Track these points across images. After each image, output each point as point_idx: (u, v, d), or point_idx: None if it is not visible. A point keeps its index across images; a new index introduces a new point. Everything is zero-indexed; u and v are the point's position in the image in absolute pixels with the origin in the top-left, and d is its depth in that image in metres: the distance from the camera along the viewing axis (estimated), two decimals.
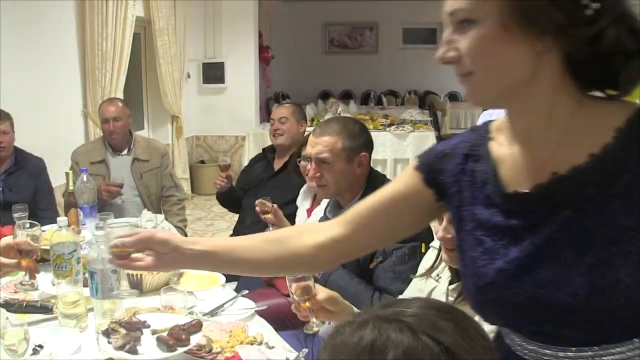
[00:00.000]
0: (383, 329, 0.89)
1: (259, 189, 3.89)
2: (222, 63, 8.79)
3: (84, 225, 3.31)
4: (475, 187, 1.22)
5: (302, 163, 3.20)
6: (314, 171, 2.61)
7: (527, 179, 1.14)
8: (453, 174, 1.26)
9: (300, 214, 3.39)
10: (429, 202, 1.31)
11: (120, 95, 6.24)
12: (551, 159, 1.12)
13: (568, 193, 1.09)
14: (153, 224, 3.30)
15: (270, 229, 3.40)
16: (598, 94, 1.15)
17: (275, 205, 3.32)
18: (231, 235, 4.15)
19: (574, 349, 1.11)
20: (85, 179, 3.34)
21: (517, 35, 1.05)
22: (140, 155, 4.39)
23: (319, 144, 2.59)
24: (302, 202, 3.44)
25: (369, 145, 2.66)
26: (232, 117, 8.85)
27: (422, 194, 1.31)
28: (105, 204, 4.05)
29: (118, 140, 4.32)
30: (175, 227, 4.19)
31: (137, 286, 2.57)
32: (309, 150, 2.65)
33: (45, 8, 5.27)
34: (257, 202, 3.31)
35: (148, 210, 4.01)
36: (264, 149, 4.36)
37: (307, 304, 1.84)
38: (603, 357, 1.10)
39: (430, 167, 1.31)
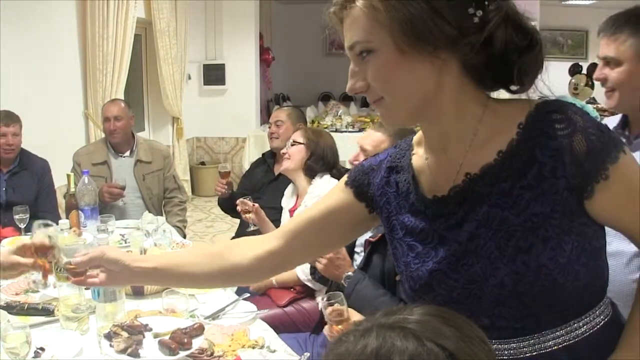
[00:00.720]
0: (387, 336, 0.89)
1: (259, 193, 3.90)
2: (223, 65, 8.81)
3: (85, 227, 3.31)
4: (400, 196, 1.31)
5: (283, 150, 3.39)
6: (355, 157, 2.68)
7: (446, 184, 1.22)
8: (380, 187, 1.35)
9: (285, 215, 3.41)
10: (362, 214, 1.39)
11: (121, 96, 6.25)
12: (465, 162, 1.19)
13: (482, 191, 1.17)
14: (154, 227, 3.29)
15: (252, 228, 3.43)
16: (504, 94, 1.21)
17: (256, 205, 3.35)
18: (232, 238, 4.17)
19: (515, 339, 1.17)
20: (86, 181, 3.34)
21: (414, 55, 1.10)
22: (142, 157, 4.39)
23: (370, 137, 2.64)
24: (287, 203, 3.47)
25: None
26: (232, 118, 8.85)
27: (355, 207, 1.39)
28: (107, 205, 4.05)
29: (119, 140, 4.33)
30: (175, 227, 4.19)
31: (139, 289, 2.57)
32: (360, 140, 2.68)
33: (45, 9, 5.27)
34: (238, 201, 3.36)
35: (149, 212, 4.01)
36: (263, 154, 4.38)
37: (340, 326, 1.97)
38: (544, 344, 1.16)
39: (359, 182, 1.39)
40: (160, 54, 7.34)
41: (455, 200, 1.20)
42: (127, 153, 4.40)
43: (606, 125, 1.14)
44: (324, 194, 2.96)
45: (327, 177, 3.24)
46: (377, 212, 1.37)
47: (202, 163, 8.97)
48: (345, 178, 1.43)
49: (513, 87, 1.18)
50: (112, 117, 4.28)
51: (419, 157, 1.31)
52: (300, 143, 3.30)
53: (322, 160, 3.26)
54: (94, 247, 1.57)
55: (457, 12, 1.08)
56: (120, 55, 6.16)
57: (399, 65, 1.11)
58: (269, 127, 4.20)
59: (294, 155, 3.29)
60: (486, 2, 1.09)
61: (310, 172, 3.24)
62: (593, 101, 9.59)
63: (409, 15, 1.07)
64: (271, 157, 4.21)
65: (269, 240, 1.47)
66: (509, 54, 1.12)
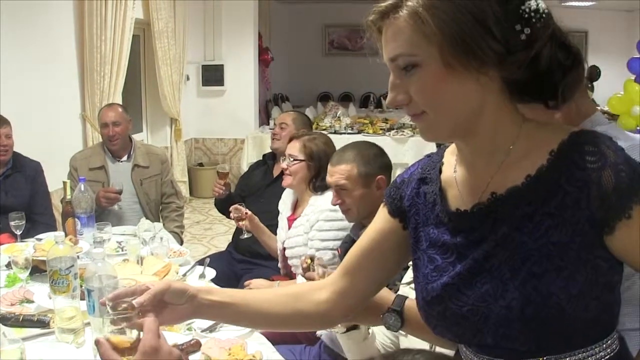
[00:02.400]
0: None
1: (258, 195, 3.87)
2: (222, 65, 8.78)
3: (81, 235, 3.28)
4: (427, 207, 1.31)
5: (283, 164, 3.27)
6: (336, 199, 2.69)
7: (471, 199, 1.22)
8: (410, 198, 1.35)
9: (282, 221, 3.38)
10: (400, 233, 1.37)
11: (119, 97, 6.23)
12: (493, 181, 1.19)
13: (505, 212, 1.16)
14: (151, 234, 3.27)
15: (245, 235, 3.39)
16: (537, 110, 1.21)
17: (249, 212, 3.31)
18: (230, 243, 4.15)
19: None
20: (82, 188, 3.31)
21: (461, 71, 1.09)
22: (140, 162, 4.36)
23: (336, 173, 2.67)
24: (283, 207, 3.43)
25: (385, 168, 2.72)
26: (231, 119, 8.82)
27: (392, 226, 1.38)
28: (104, 210, 4.03)
29: (118, 146, 4.29)
30: (172, 232, 4.17)
31: None
32: (329, 179, 2.72)
33: (43, 10, 5.24)
34: (231, 208, 3.32)
35: (147, 217, 3.99)
36: (264, 155, 4.36)
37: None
38: None
39: (392, 197, 1.39)
40: (158, 54, 7.31)
41: (477, 217, 1.19)
42: (125, 158, 4.37)
43: (638, 163, 1.12)
44: (327, 207, 2.94)
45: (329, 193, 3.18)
46: (407, 224, 1.36)
47: (200, 164, 8.94)
48: (382, 198, 1.43)
49: (551, 103, 1.18)
50: (111, 123, 4.23)
51: (448, 168, 1.31)
52: (300, 160, 3.23)
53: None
54: (149, 282, 1.35)
55: (504, 28, 1.08)
56: (118, 56, 6.12)
57: (446, 80, 1.10)
58: (273, 128, 4.18)
59: (295, 174, 3.23)
60: (533, 20, 1.09)
61: (317, 189, 3.19)
62: (593, 102, 9.58)
63: (459, 31, 1.06)
64: (272, 159, 4.19)
65: (335, 283, 1.44)
66: (554, 73, 1.12)
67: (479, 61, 1.08)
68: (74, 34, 5.80)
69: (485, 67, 1.09)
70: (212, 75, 8.78)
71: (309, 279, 2.66)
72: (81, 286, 2.38)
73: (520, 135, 1.17)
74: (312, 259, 2.64)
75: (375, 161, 2.68)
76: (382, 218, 1.41)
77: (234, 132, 8.86)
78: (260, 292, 1.58)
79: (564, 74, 1.13)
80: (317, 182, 3.17)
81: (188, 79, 8.46)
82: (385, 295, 1.57)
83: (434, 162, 1.35)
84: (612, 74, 9.57)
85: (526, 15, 1.09)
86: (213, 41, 8.81)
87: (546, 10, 1.11)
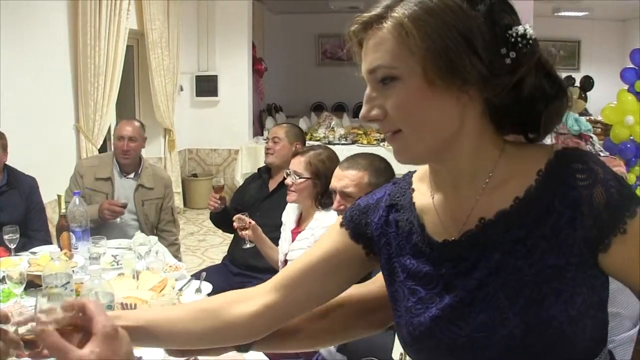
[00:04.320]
0: None
1: (254, 210, 3.83)
2: (215, 76, 8.78)
3: (76, 249, 3.26)
4: (401, 237, 1.24)
5: (287, 180, 3.20)
6: (339, 204, 2.63)
7: (455, 227, 1.16)
8: (379, 227, 1.28)
9: (285, 233, 3.34)
10: (359, 257, 1.31)
11: (113, 108, 6.22)
12: (477, 205, 1.14)
13: (496, 237, 1.11)
14: (147, 248, 3.24)
15: (248, 245, 3.37)
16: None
17: (253, 222, 3.29)
18: (226, 256, 4.13)
19: None
20: (77, 202, 3.29)
21: (442, 88, 1.05)
22: (145, 183, 4.33)
23: (345, 178, 2.62)
24: (287, 219, 3.38)
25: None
26: (225, 130, 8.81)
27: (352, 250, 1.31)
28: (105, 222, 4.00)
29: (129, 161, 4.27)
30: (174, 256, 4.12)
31: None
32: (335, 183, 2.66)
33: (36, 21, 5.23)
34: (234, 217, 3.29)
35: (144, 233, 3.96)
36: (259, 169, 4.34)
37: None
38: None
39: (355, 222, 1.31)
40: (152, 65, 7.31)
41: (467, 245, 1.14)
42: (132, 175, 4.34)
43: (623, 178, 1.11)
44: (333, 222, 2.90)
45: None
46: (375, 253, 1.29)
47: (194, 175, 8.92)
48: (340, 219, 1.35)
49: (532, 135, 1.15)
50: (127, 137, 4.22)
51: (422, 195, 1.24)
52: (307, 178, 3.17)
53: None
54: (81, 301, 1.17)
55: (490, 50, 1.05)
56: (112, 67, 6.11)
57: (425, 96, 1.06)
58: (266, 142, 4.16)
59: (302, 192, 3.18)
60: (520, 45, 1.06)
61: (324, 206, 3.13)
62: (586, 112, 9.62)
63: (444, 47, 1.02)
64: (267, 172, 4.16)
65: (265, 295, 1.33)
66: (537, 101, 1.10)
67: (461, 80, 1.04)
68: (67, 45, 5.79)
69: (467, 86, 1.05)
70: (206, 86, 8.78)
71: None
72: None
73: (502, 157, 1.14)
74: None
75: (386, 174, 2.63)
76: (338, 239, 1.32)
77: (228, 142, 8.85)
78: (172, 309, 1.46)
79: (547, 103, 1.10)
80: (323, 199, 3.12)
81: (182, 89, 8.46)
82: None
83: (402, 189, 1.29)
84: (605, 83, 9.63)
85: (513, 40, 1.06)
86: (207, 52, 8.81)
87: (533, 37, 1.08)
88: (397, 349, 1.96)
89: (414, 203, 1.24)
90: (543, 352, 1.08)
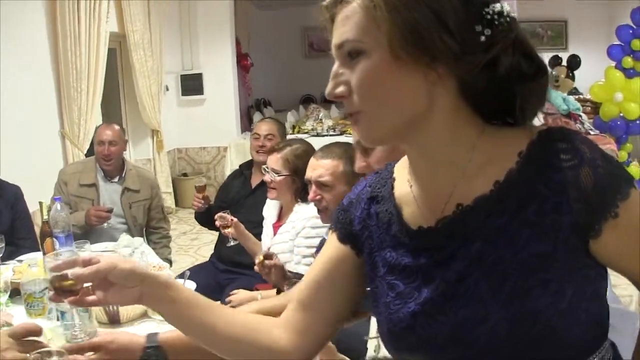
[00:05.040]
0: None
1: (238, 207, 3.83)
2: (200, 74, 8.76)
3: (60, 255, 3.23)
4: (382, 229, 1.18)
5: (266, 178, 3.19)
6: (314, 194, 2.59)
7: (433, 214, 1.10)
8: (361, 220, 1.22)
9: (267, 227, 3.35)
10: (353, 261, 1.24)
11: (98, 112, 6.21)
12: (456, 191, 1.08)
13: (475, 225, 1.05)
14: (130, 250, 3.23)
15: (232, 243, 3.36)
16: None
17: (235, 219, 3.29)
18: (213, 253, 4.12)
19: None
20: (59, 207, 3.27)
21: (408, 64, 1.00)
22: (130, 185, 4.33)
23: (320, 167, 2.59)
24: (268, 214, 3.39)
25: None
26: (212, 128, 8.79)
27: (344, 254, 1.24)
28: (93, 228, 4.00)
29: (112, 166, 4.27)
30: (165, 259, 4.13)
31: (114, 318, 2.51)
32: (309, 173, 2.62)
33: (16, 29, 5.21)
34: (216, 216, 3.29)
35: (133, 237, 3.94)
36: (240, 165, 4.31)
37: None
38: None
39: (341, 222, 1.26)
40: (135, 67, 7.29)
41: (443, 233, 1.08)
42: (117, 179, 4.34)
43: (614, 157, 1.04)
44: (313, 214, 2.86)
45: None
46: (361, 250, 1.22)
47: (184, 174, 8.92)
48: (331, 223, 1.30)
49: (511, 120, 1.09)
50: (107, 142, 4.20)
51: (402, 184, 1.19)
52: (285, 175, 3.15)
53: None
54: (96, 255, 1.22)
55: (463, 27, 1.00)
56: (94, 71, 6.10)
57: (390, 71, 1.01)
58: (255, 139, 4.08)
59: (281, 188, 3.17)
60: (496, 23, 1.01)
61: (303, 199, 3.10)
62: (576, 91, 9.61)
63: (413, 21, 0.98)
64: (248, 169, 4.14)
65: (290, 318, 1.28)
66: (512, 82, 1.04)
67: (429, 56, 0.99)
68: (48, 51, 5.78)
69: (436, 63, 1.00)
70: (191, 85, 8.76)
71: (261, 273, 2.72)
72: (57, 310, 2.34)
73: (481, 139, 1.07)
74: (265, 257, 2.61)
75: None
76: (331, 245, 1.27)
77: (216, 140, 8.83)
78: (220, 307, 1.35)
79: (524, 84, 1.04)
80: (302, 193, 3.09)
81: (167, 89, 8.44)
82: (133, 339, 1.52)
83: (383, 179, 1.23)
84: (593, 62, 9.59)
85: (489, 17, 1.01)
86: (190, 50, 8.80)
87: (511, 14, 1.03)
88: (372, 342, 1.94)
89: (393, 193, 1.19)
90: (531, 348, 1.01)
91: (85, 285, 1.20)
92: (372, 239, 1.20)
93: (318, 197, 2.58)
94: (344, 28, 1.05)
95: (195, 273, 3.22)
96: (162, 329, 2.28)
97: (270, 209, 3.36)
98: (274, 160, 3.18)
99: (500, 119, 1.10)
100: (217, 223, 3.29)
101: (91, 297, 1.21)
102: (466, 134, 1.07)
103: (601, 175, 0.99)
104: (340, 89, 1.06)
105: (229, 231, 3.28)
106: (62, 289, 1.21)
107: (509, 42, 1.03)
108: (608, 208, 0.99)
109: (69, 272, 1.19)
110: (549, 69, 1.07)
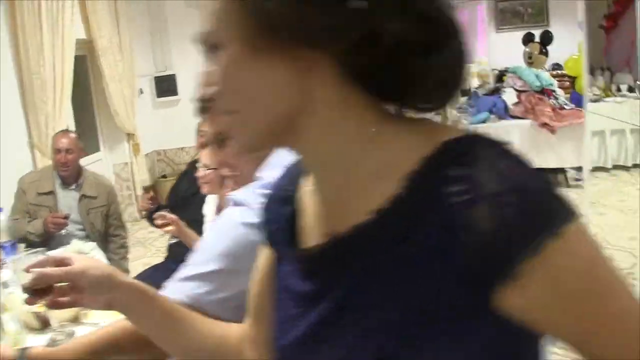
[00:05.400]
0: None
1: (186, 205, 3.85)
2: (173, 75, 8.78)
3: (5, 264, 3.27)
4: (284, 235, 0.98)
5: (198, 173, 3.15)
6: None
7: (320, 234, 0.89)
8: (273, 219, 1.03)
9: (207, 225, 3.35)
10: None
11: (71, 119, 6.22)
12: (338, 210, 0.87)
13: (348, 259, 0.83)
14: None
15: (173, 241, 3.39)
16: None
17: (175, 217, 3.30)
18: (167, 257, 4.13)
19: None
20: (2, 217, 3.31)
21: (270, 55, 0.80)
22: (88, 192, 4.39)
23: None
24: (208, 211, 3.38)
25: None
26: (189, 127, 8.67)
27: (272, 256, 1.05)
28: (51, 235, 4.05)
29: (69, 173, 4.33)
30: (124, 270, 4.16)
31: (44, 321, 2.53)
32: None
33: None
34: (155, 215, 3.31)
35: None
36: (188, 164, 4.34)
37: None
38: None
39: (263, 222, 1.06)
40: (105, 72, 7.27)
41: (318, 261, 0.88)
42: (74, 186, 4.40)
43: (547, 187, 0.76)
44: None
45: None
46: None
47: (164, 176, 8.94)
48: None
49: (420, 105, 0.85)
50: (64, 150, 4.28)
51: (308, 186, 0.96)
52: (214, 168, 3.18)
53: None
54: (69, 256, 1.16)
55: None
56: (60, 80, 6.07)
57: (248, 66, 0.81)
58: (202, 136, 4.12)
59: (212, 183, 3.18)
60: None
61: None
62: (558, 67, 9.57)
63: (265, 2, 0.77)
64: (195, 167, 4.15)
65: (248, 330, 1.16)
66: (407, 54, 0.78)
67: (292, 40, 0.78)
68: (12, 64, 5.77)
69: (300, 49, 0.78)
70: (166, 86, 8.78)
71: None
72: None
73: (375, 144, 0.83)
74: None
75: None
76: (263, 250, 1.09)
77: (194, 139, 8.79)
78: (193, 317, 1.22)
79: (425, 55, 0.78)
80: None
81: (142, 92, 8.45)
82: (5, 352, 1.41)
83: (292, 177, 1.01)
84: (573, 36, 9.55)
85: None
86: (162, 52, 8.80)
87: None
88: None
89: (299, 197, 0.98)
90: None
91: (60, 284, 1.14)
92: (278, 244, 1.02)
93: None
94: (205, 20, 0.86)
95: (148, 276, 3.26)
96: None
97: (209, 206, 3.38)
98: (205, 155, 3.20)
99: (412, 106, 0.86)
100: (157, 222, 3.33)
101: (66, 299, 1.14)
102: (355, 134, 0.84)
103: (509, 215, 0.72)
104: (209, 90, 0.86)
105: (169, 229, 3.31)
106: (36, 289, 1.14)
107: (394, 6, 0.77)
108: (519, 254, 0.72)
109: (39, 270, 1.12)
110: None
